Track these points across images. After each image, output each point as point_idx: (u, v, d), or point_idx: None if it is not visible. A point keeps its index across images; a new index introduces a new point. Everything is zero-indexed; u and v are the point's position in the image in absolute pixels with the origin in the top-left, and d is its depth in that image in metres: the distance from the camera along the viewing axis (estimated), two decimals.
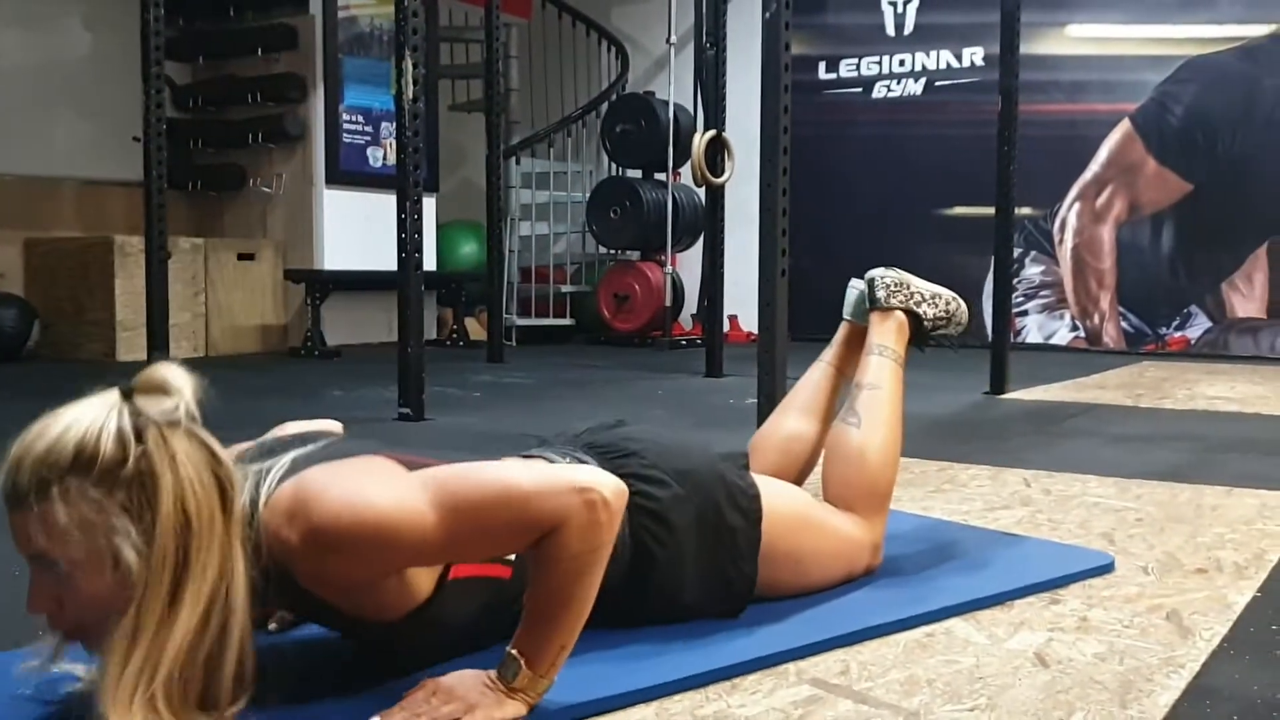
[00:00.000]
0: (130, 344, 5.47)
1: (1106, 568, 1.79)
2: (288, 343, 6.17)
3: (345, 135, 6.16)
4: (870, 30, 7.19)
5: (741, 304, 7.52)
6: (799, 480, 1.85)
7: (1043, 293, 6.72)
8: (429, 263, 6.55)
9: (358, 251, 6.10)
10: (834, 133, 7.14)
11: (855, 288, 1.91)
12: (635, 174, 6.96)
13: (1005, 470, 2.69)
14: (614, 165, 7.08)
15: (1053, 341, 6.71)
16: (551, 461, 1.41)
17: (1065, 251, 6.63)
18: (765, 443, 1.89)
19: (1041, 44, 6.51)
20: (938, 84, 6.99)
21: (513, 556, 1.28)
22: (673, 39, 6.62)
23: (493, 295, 5.76)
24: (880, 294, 1.85)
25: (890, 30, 7.13)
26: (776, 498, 1.57)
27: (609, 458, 1.45)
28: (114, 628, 1.02)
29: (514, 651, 1.15)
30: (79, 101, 6.03)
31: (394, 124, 6.26)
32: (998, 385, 4.32)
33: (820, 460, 1.80)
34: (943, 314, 1.88)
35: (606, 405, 4.02)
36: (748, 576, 1.50)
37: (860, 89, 7.20)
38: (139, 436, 1.04)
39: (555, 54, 7.73)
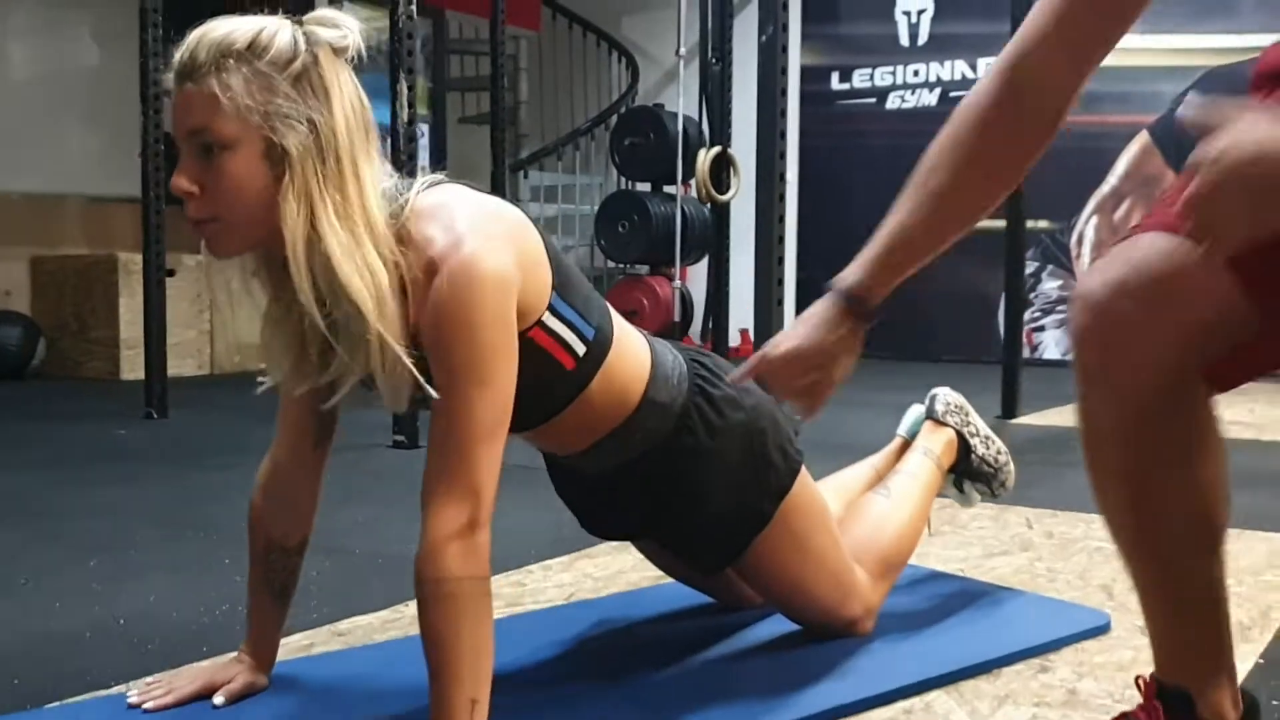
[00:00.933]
0: (133, 362, 5.43)
1: (1102, 629, 1.71)
2: None
3: None
4: (884, 40, 7.10)
5: (752, 317, 7.42)
6: None
7: (1060, 308, 6.62)
8: None
9: None
10: (847, 143, 7.06)
11: (916, 408, 1.92)
12: (645, 187, 6.89)
13: (1008, 509, 2.61)
14: (623, 178, 7.02)
15: (1070, 357, 6.60)
16: (648, 337, 1.46)
17: (1083, 265, 6.52)
18: None
19: None
20: (952, 94, 6.89)
21: (581, 351, 1.29)
22: (682, 50, 6.54)
23: None
24: (939, 408, 1.87)
25: (904, 40, 7.04)
26: (811, 481, 1.56)
27: (685, 351, 1.49)
28: (283, 209, 1.12)
29: None
30: (85, 117, 6.02)
31: None
32: (1009, 409, 4.23)
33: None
34: (991, 461, 1.89)
35: None
36: (764, 513, 1.48)
37: (874, 99, 7.11)
38: (311, 46, 1.14)
39: (565, 65, 7.68)
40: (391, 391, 1.16)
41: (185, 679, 1.37)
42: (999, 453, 1.89)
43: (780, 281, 2.77)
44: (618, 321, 1.40)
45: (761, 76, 2.80)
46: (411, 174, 3.46)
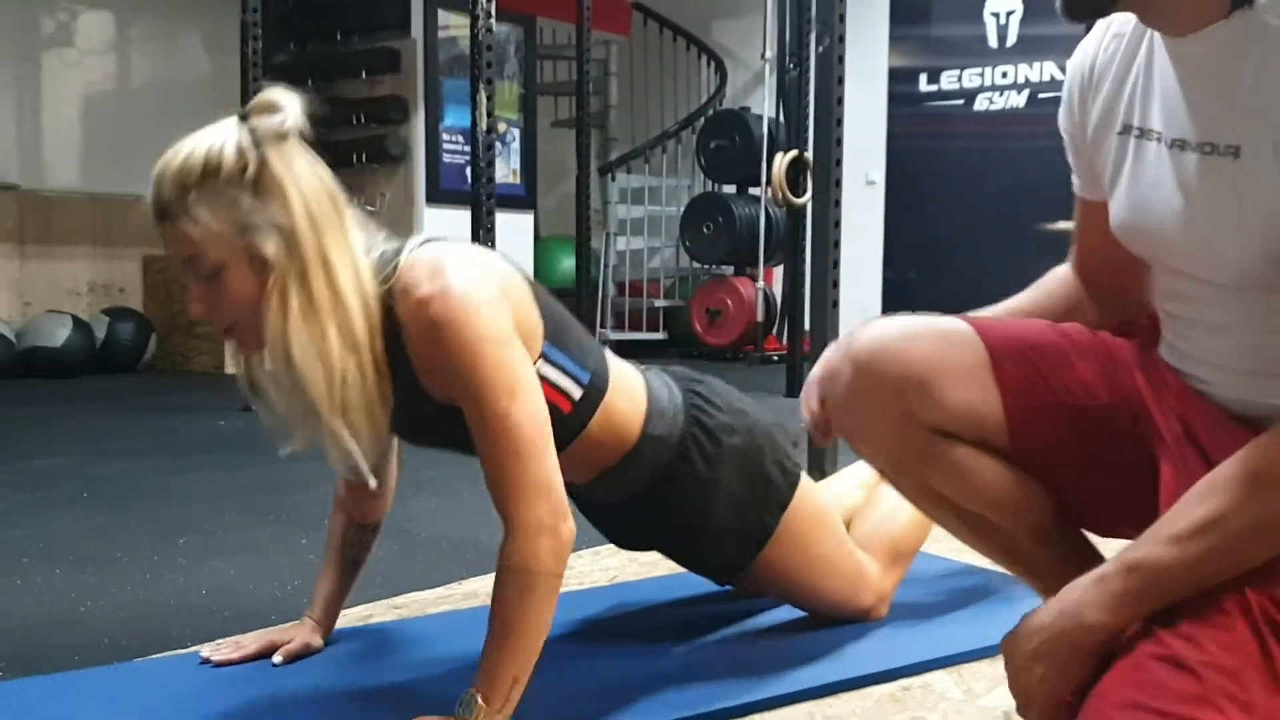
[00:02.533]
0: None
1: None
2: None
3: (445, 155, 6.33)
4: (972, 41, 7.08)
5: (839, 317, 7.46)
6: None
7: None
8: None
9: None
10: (935, 145, 7.07)
11: None
12: (730, 189, 7.00)
13: None
14: (709, 180, 7.13)
15: None
16: (644, 374, 1.55)
17: None
18: None
19: None
20: (1040, 96, 6.85)
21: (577, 396, 1.39)
22: (768, 54, 6.64)
23: (581, 312, 5.86)
24: None
25: (993, 42, 7.01)
26: (814, 489, 1.65)
27: (682, 380, 1.57)
28: (266, 312, 1.22)
29: (472, 690, 1.22)
30: (196, 124, 6.32)
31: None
32: None
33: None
34: None
35: None
36: (766, 527, 1.56)
37: (962, 100, 7.10)
38: (257, 146, 1.22)
39: (655, 69, 7.81)
40: (339, 463, 1.29)
41: (251, 639, 1.53)
42: None
43: (835, 284, 2.85)
44: (614, 362, 1.49)
45: (818, 87, 2.89)
46: (491, 180, 3.59)
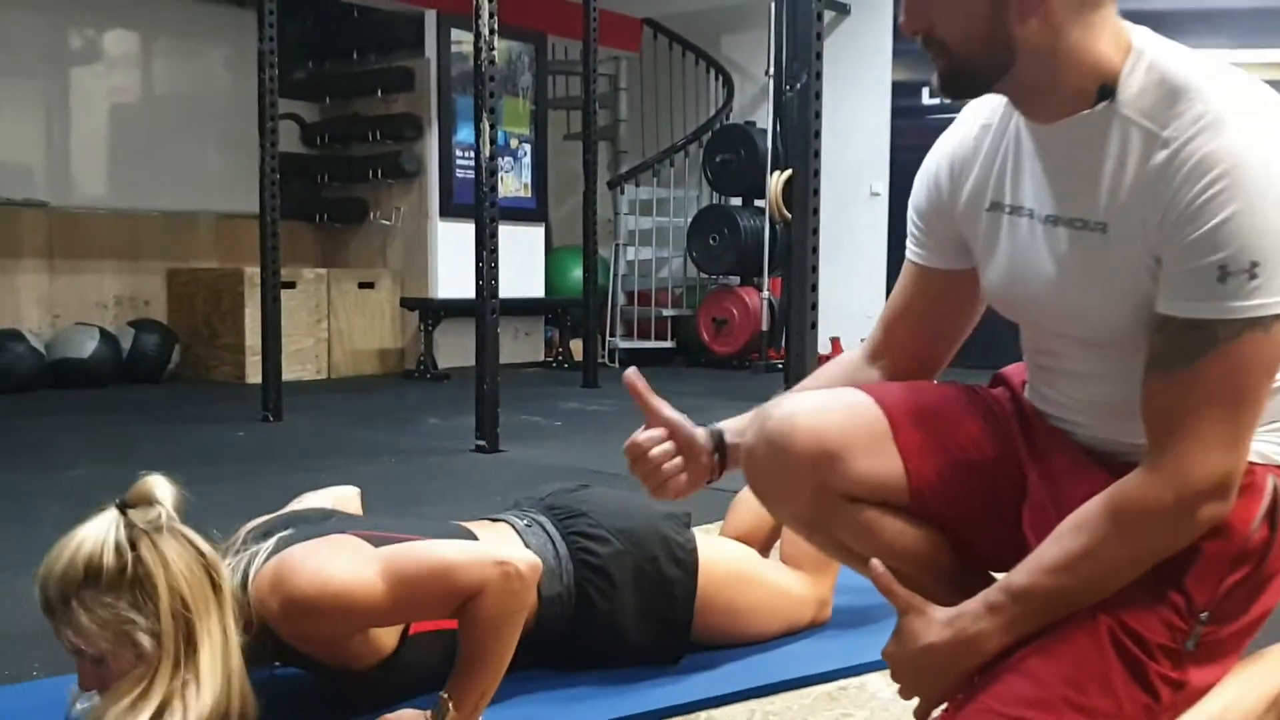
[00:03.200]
0: (257, 367, 5.89)
1: None
2: (403, 365, 6.58)
3: (458, 170, 6.52)
4: None
5: (844, 326, 7.63)
6: (770, 540, 2.04)
7: None
8: (537, 289, 6.91)
9: (469, 280, 6.45)
10: None
11: None
12: (736, 201, 7.16)
13: None
14: (715, 193, 7.30)
15: None
16: (513, 524, 1.67)
17: None
18: (744, 504, 2.09)
19: None
20: None
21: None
22: (770, 70, 6.80)
23: (588, 323, 6.03)
24: None
25: None
26: (717, 554, 1.78)
27: (561, 518, 1.71)
28: (137, 694, 1.31)
29: (444, 695, 1.40)
30: (217, 140, 6.55)
31: (505, 159, 6.63)
32: None
33: None
34: None
35: None
36: (683, 622, 1.71)
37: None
38: (133, 545, 1.33)
39: (665, 83, 7.98)
40: None
41: None
42: None
43: (814, 306, 3.02)
44: (488, 540, 1.59)
45: (800, 120, 3.06)
46: (495, 204, 3.75)
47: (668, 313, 7.41)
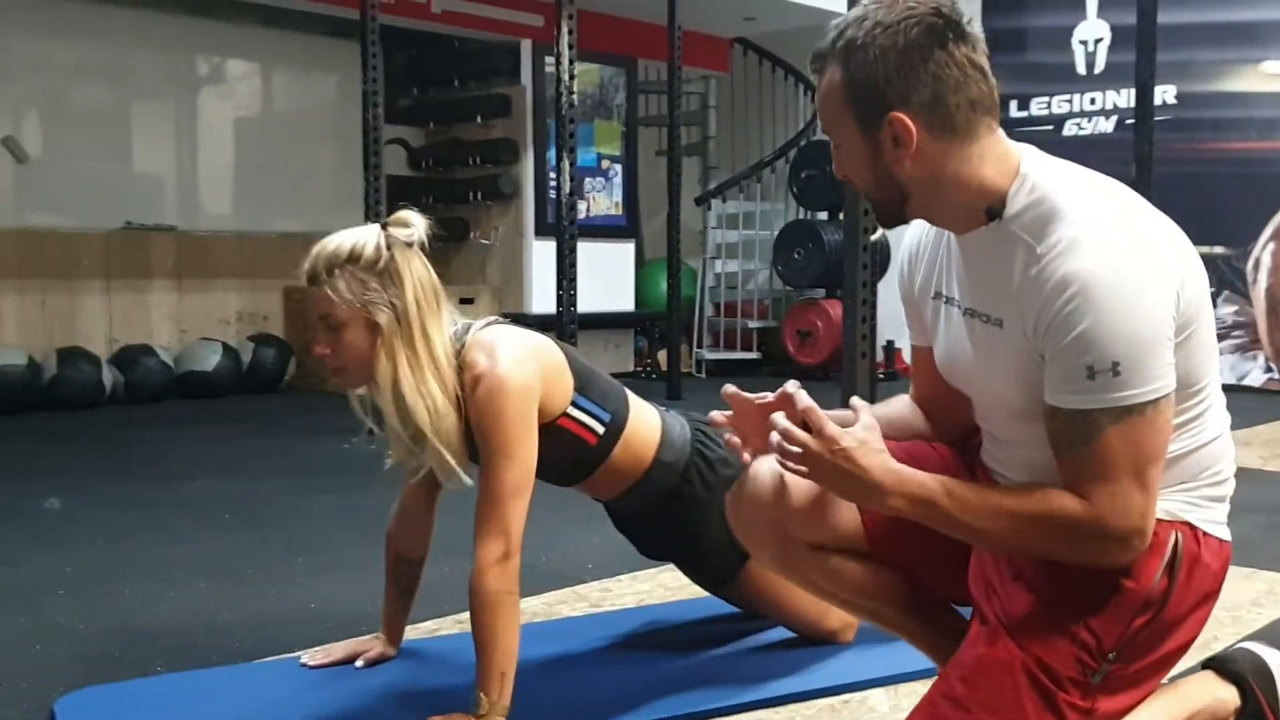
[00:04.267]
0: None
1: None
2: None
3: (551, 191, 6.83)
4: (1061, 69, 7.28)
5: (844, 351, 7.72)
6: None
7: (1235, 333, 6.64)
8: (627, 302, 7.19)
9: None
10: None
11: None
12: (823, 216, 7.33)
13: None
14: (801, 208, 7.48)
15: (1245, 383, 6.62)
16: (661, 413, 1.99)
17: (1259, 291, 6.53)
18: None
19: (1235, 81, 6.49)
20: (1128, 122, 6.99)
21: (600, 431, 1.85)
22: None
23: (672, 336, 6.27)
24: None
25: (1081, 69, 7.20)
26: None
27: (694, 421, 2.00)
28: (375, 362, 1.70)
29: (475, 688, 1.66)
30: (331, 164, 6.97)
31: (596, 179, 6.92)
32: None
33: None
34: None
35: None
36: (747, 551, 1.90)
37: (1051, 126, 7.30)
38: (389, 247, 1.71)
39: (755, 100, 8.18)
40: (441, 474, 1.77)
41: (339, 648, 2.01)
42: None
43: (865, 320, 3.21)
44: (635, 403, 1.95)
45: None
46: (573, 236, 4.05)
47: (754, 324, 7.62)
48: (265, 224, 6.80)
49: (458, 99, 7.13)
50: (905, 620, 1.57)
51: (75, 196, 6.26)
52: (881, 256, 7.11)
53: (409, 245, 1.73)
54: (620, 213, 7.19)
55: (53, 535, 3.13)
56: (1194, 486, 1.36)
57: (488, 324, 1.81)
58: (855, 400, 1.42)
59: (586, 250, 6.46)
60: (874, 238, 5.19)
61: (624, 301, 7.14)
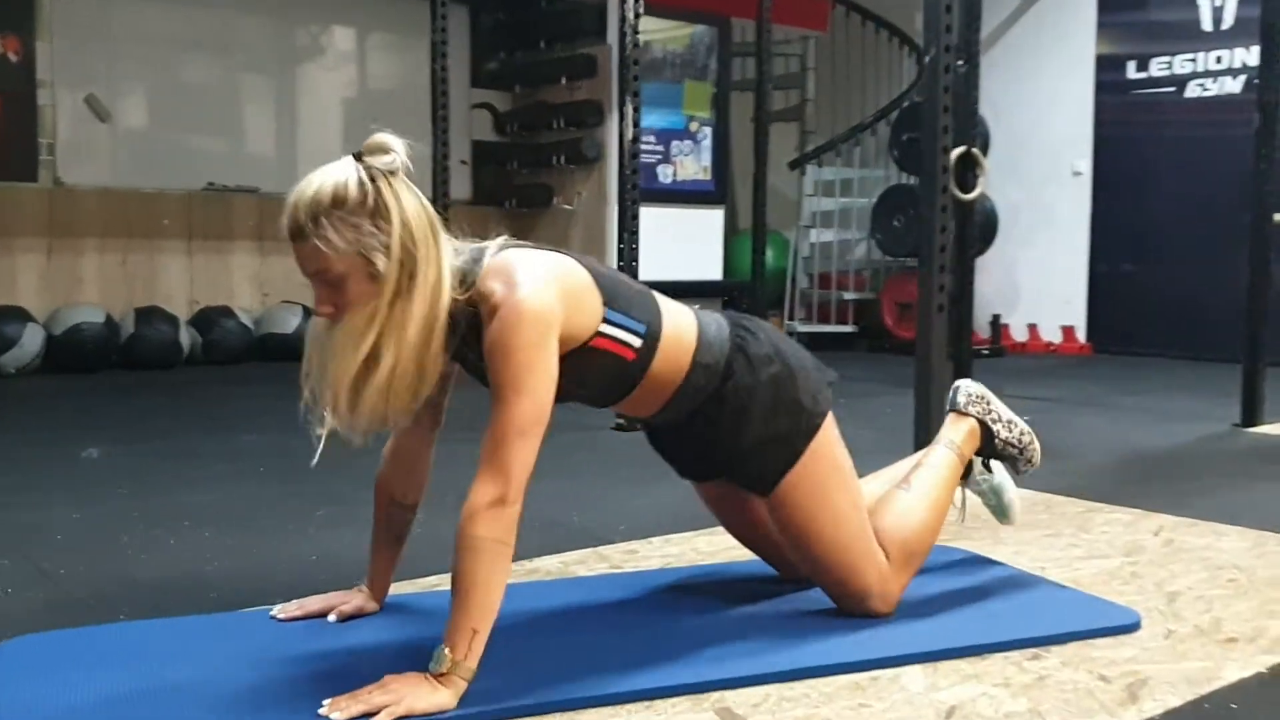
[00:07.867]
0: None
1: (1128, 627, 1.82)
2: None
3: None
4: (1185, 26, 6.76)
5: (1042, 313, 7.33)
6: None
7: None
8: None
9: (648, 262, 6.54)
10: (1145, 134, 6.80)
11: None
12: None
13: (1150, 516, 2.66)
14: (903, 173, 7.12)
15: None
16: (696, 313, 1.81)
17: None
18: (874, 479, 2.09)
19: None
20: (1258, 82, 6.47)
21: (638, 344, 1.67)
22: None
23: (756, 307, 6.00)
24: (960, 399, 2.07)
25: (1206, 25, 6.68)
26: (840, 442, 1.83)
27: (731, 318, 1.83)
28: (376, 313, 1.50)
29: (442, 644, 1.45)
30: (423, 127, 6.84)
31: (685, 142, 6.68)
32: (1249, 416, 4.07)
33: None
34: (1015, 442, 2.07)
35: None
36: (795, 449, 1.77)
37: (1173, 88, 6.80)
38: (373, 180, 1.51)
39: (857, 61, 7.82)
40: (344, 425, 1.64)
41: (314, 601, 1.83)
42: (1022, 434, 2.07)
43: (942, 288, 2.92)
44: (666, 305, 1.75)
45: (928, 97, 2.96)
46: (635, 186, 3.82)
47: (850, 296, 7.29)
48: None
49: (543, 60, 6.95)
50: None
51: (158, 157, 6.25)
52: (989, 220, 6.74)
53: (392, 174, 1.53)
54: (709, 178, 6.93)
55: (82, 482, 3.03)
56: None
57: (501, 247, 1.61)
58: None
59: (671, 215, 6.28)
60: (971, 195, 4.85)
61: (711, 270, 6.88)
